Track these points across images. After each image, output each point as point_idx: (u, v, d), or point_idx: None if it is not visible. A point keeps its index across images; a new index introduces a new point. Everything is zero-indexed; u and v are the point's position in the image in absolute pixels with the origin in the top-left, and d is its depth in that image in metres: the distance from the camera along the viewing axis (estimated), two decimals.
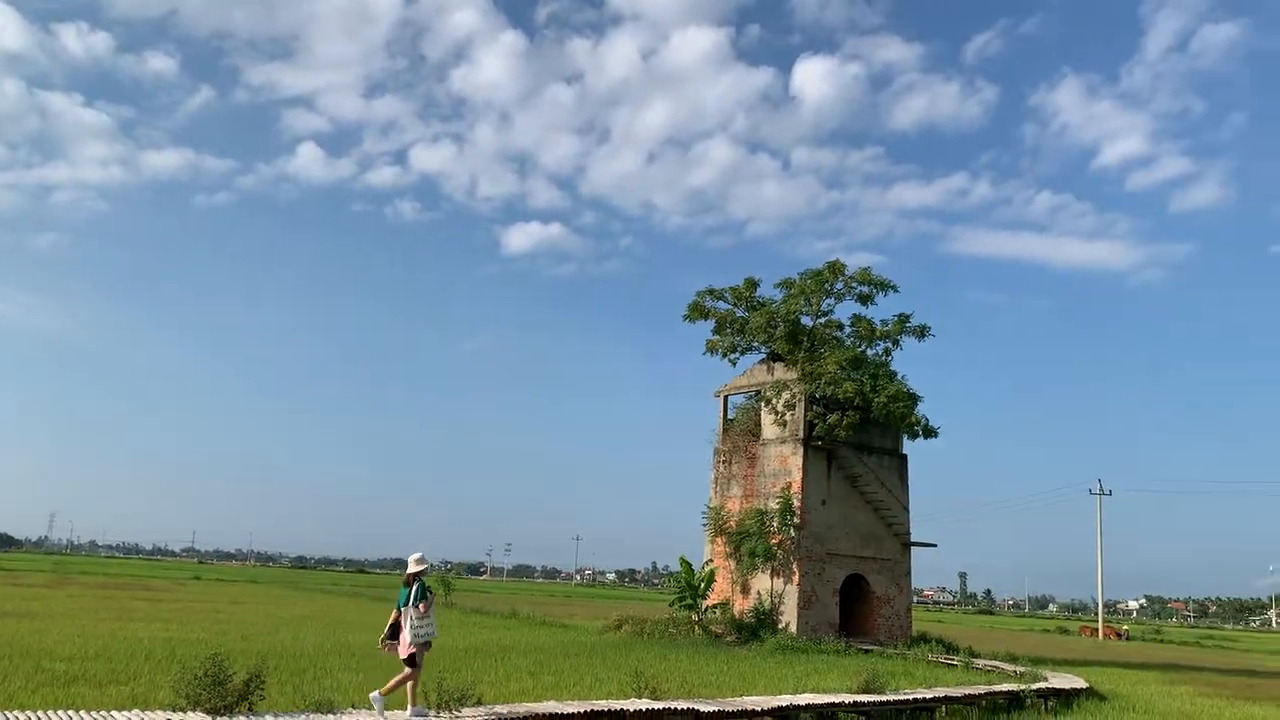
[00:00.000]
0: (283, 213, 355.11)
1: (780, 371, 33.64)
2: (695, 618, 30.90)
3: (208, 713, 9.89)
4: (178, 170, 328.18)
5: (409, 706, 10.92)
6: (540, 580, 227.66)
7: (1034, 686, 18.84)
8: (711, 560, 33.32)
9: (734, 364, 35.43)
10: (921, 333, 33.91)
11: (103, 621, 25.09)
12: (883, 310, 36.34)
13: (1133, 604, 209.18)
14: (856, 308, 34.38)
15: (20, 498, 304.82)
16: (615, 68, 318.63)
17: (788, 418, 32.56)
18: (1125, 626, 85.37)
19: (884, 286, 34.27)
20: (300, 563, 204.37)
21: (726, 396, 36.30)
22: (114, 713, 9.98)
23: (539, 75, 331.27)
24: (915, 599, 48.70)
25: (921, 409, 32.46)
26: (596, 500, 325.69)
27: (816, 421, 31.90)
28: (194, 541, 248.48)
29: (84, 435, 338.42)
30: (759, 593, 31.52)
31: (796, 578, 30.84)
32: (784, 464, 32.34)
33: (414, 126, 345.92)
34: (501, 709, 11.51)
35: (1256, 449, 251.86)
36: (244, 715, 10.02)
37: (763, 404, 33.75)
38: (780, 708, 13.76)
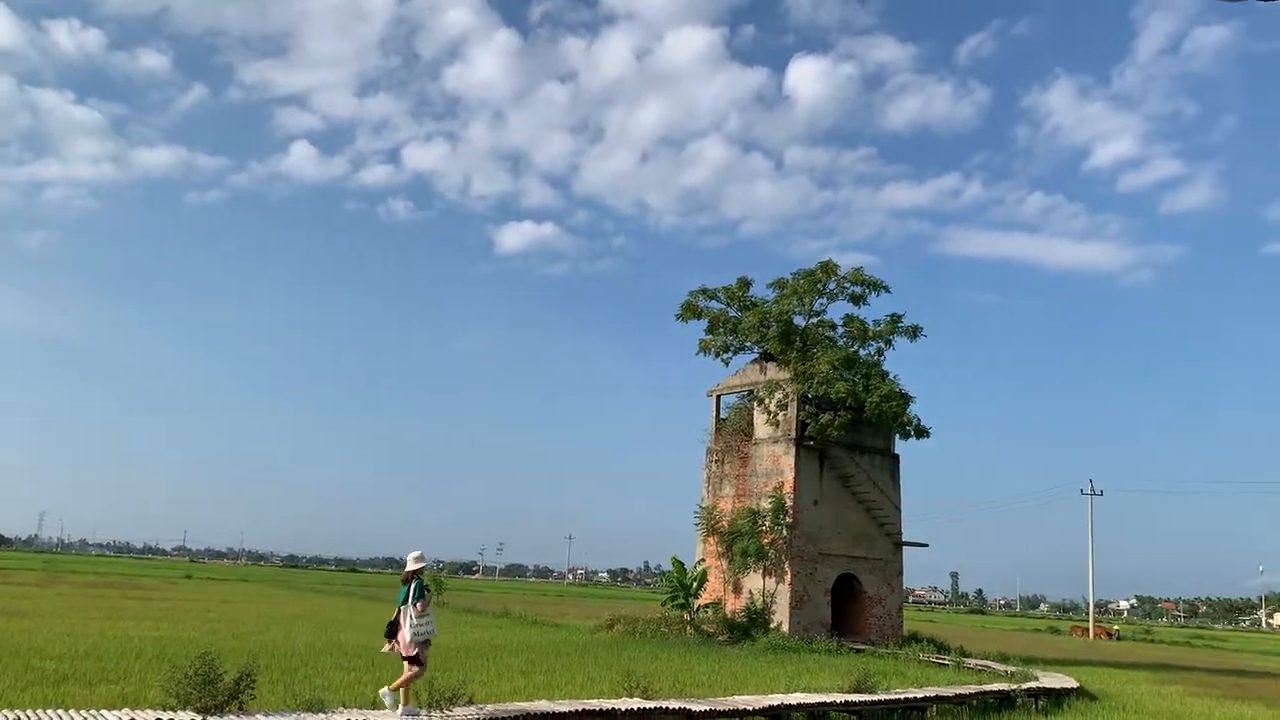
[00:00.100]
0: (275, 211, 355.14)
1: (773, 371, 33.69)
2: (687, 617, 30.91)
3: (198, 712, 9.86)
4: (170, 168, 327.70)
5: (400, 705, 10.92)
6: (533, 579, 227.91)
7: (1025, 686, 18.89)
8: (704, 560, 33.35)
9: (727, 364, 35.58)
10: (913, 333, 34.00)
11: (93, 620, 25.02)
12: (875, 310, 36.41)
13: (1123, 604, 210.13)
14: (849, 308, 34.62)
15: (10, 496, 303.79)
16: (609, 67, 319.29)
17: (780, 417, 32.60)
18: (1116, 626, 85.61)
19: (876, 286, 34.42)
20: (292, 562, 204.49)
21: (719, 396, 36.34)
22: (104, 712, 9.94)
23: (533, 74, 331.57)
24: (907, 599, 48.75)
25: (913, 409, 32.66)
26: (589, 499, 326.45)
27: (809, 421, 31.96)
28: (185, 540, 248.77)
29: (74, 433, 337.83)
30: (751, 592, 31.55)
31: (788, 577, 30.88)
32: (776, 464, 32.39)
33: (407, 125, 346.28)
34: (493, 708, 11.49)
35: (1246, 450, 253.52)
36: (234, 714, 9.99)
37: (755, 404, 33.78)
38: (772, 707, 13.78)
